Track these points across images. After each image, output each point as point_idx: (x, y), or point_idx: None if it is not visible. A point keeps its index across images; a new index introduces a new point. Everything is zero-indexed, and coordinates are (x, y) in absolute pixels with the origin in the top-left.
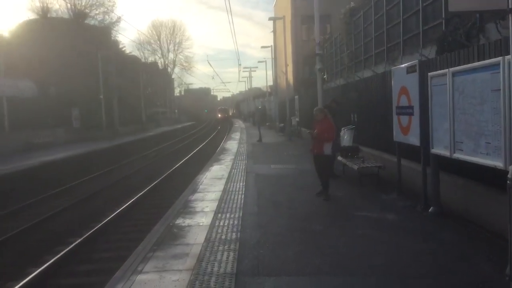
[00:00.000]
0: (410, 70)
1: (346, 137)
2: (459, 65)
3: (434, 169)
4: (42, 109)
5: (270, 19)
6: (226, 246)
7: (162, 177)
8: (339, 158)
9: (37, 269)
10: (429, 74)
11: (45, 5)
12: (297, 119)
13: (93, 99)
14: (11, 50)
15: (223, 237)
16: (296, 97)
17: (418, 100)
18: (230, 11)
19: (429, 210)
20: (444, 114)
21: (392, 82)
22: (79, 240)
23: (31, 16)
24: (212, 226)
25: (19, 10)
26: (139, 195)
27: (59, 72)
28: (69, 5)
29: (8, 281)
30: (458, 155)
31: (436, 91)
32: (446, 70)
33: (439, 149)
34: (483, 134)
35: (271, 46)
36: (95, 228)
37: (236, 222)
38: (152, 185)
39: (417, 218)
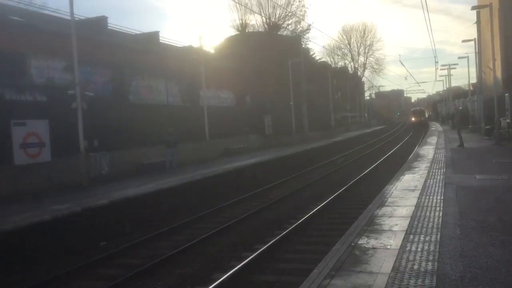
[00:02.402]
0: None
1: None
2: None
3: None
4: (239, 117)
5: (473, 8)
6: (419, 281)
7: (347, 186)
8: None
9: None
10: None
11: (243, 21)
12: (507, 120)
13: (284, 106)
14: (213, 64)
15: (416, 267)
16: (507, 94)
17: None
18: (426, 7)
19: None
20: None
21: None
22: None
23: (233, 32)
24: (402, 250)
25: (223, 28)
26: (320, 205)
27: (254, 82)
28: (264, 18)
29: None
30: None
31: None
32: None
33: None
34: None
35: (474, 39)
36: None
37: (432, 247)
38: (335, 194)
39: None
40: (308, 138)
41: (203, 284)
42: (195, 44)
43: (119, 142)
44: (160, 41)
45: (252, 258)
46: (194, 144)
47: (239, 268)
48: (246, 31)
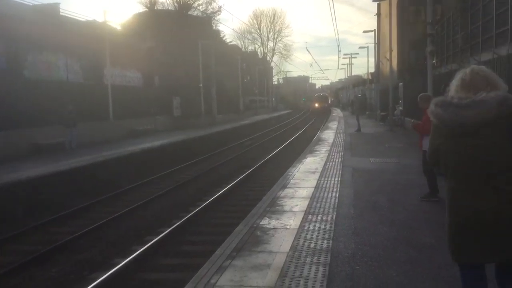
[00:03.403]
0: None
1: None
2: None
3: None
4: (146, 98)
5: (374, 0)
6: (315, 258)
7: (253, 168)
8: None
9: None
10: None
11: None
12: (400, 108)
13: (193, 88)
14: (120, 41)
15: (312, 245)
16: (401, 84)
17: None
18: None
19: None
20: None
21: None
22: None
23: (141, 9)
24: (300, 230)
25: (131, 3)
26: (227, 187)
27: (162, 62)
28: None
29: None
30: None
31: None
32: None
33: None
34: None
35: (374, 30)
36: (176, 224)
37: (328, 226)
38: (242, 177)
39: None
40: (217, 120)
41: (102, 270)
42: (100, 19)
43: (12, 121)
44: (61, 14)
45: (155, 242)
46: (97, 124)
47: (141, 252)
48: (155, 8)
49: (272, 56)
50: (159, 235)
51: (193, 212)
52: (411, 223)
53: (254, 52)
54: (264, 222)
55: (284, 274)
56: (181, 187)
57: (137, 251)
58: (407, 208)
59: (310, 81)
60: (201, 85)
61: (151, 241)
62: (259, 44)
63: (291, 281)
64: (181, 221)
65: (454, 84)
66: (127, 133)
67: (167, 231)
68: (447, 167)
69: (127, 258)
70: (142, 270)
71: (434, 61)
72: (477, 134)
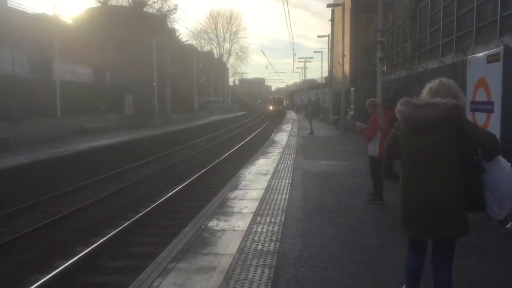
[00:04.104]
0: (492, 59)
1: None
2: None
3: None
4: (97, 95)
5: (328, 6)
6: (261, 260)
7: (206, 169)
8: None
9: None
10: None
11: None
12: (352, 113)
13: (147, 87)
14: (71, 36)
15: (259, 247)
16: (352, 89)
17: (500, 95)
18: (287, 1)
19: (507, 226)
20: None
21: (468, 73)
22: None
23: (94, 4)
24: (248, 232)
25: None
26: (178, 188)
27: (115, 59)
28: None
29: None
30: None
31: None
32: None
33: None
34: None
35: (328, 35)
36: (120, 227)
37: (276, 228)
38: (194, 178)
39: (493, 235)
40: (171, 120)
41: (43, 272)
42: (51, 12)
43: None
44: (9, 5)
45: (100, 243)
46: (44, 121)
47: (85, 253)
48: (109, 3)
49: (228, 57)
50: (105, 236)
51: (142, 213)
52: (357, 225)
53: (210, 53)
54: (213, 223)
55: (229, 277)
56: (131, 187)
57: (82, 252)
58: (354, 211)
59: (265, 83)
60: (155, 83)
61: (97, 242)
62: (215, 44)
63: (236, 284)
64: (129, 222)
65: (424, 91)
66: (76, 131)
67: (113, 232)
68: (402, 156)
69: (70, 259)
70: (85, 272)
71: (384, 68)
72: (428, 130)
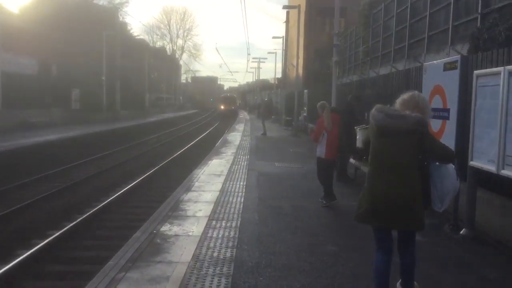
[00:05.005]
0: (449, 66)
1: (358, 138)
2: None
3: (470, 185)
4: (42, 88)
5: (284, 7)
6: (217, 269)
7: (157, 168)
8: (351, 160)
9: None
10: (475, 72)
11: None
12: (304, 114)
13: (95, 81)
14: (16, 26)
15: (215, 254)
16: (306, 91)
17: (456, 102)
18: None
19: (461, 232)
20: (492, 121)
21: (424, 79)
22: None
23: None
24: (203, 237)
25: None
26: (127, 188)
27: (63, 52)
28: None
29: None
30: (508, 172)
31: (483, 93)
32: (501, 68)
33: (481, 163)
34: None
35: (283, 37)
36: (67, 227)
37: (232, 233)
38: (144, 176)
39: (446, 241)
40: (120, 116)
41: None
42: None
43: None
44: None
45: (42, 246)
46: None
47: (25, 257)
48: None
49: (182, 54)
50: (47, 238)
51: (88, 214)
52: (314, 230)
53: (163, 49)
54: (165, 228)
55: None
56: (77, 186)
57: (21, 256)
58: (311, 214)
59: (219, 82)
60: (103, 77)
61: (38, 245)
62: (168, 40)
63: None
64: (74, 223)
65: (397, 101)
66: (18, 124)
67: (56, 234)
68: (370, 156)
69: (9, 264)
70: (25, 277)
71: (337, 71)
72: (395, 137)
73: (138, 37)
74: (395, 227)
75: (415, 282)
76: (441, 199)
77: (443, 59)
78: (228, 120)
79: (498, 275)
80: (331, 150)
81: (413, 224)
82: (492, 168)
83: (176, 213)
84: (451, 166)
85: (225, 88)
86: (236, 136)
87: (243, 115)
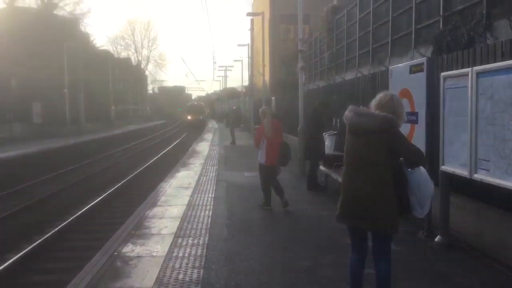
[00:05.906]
0: (415, 69)
1: (327, 144)
2: (486, 63)
3: (443, 190)
4: (1, 102)
5: (248, 14)
6: None
7: (121, 183)
8: (321, 167)
9: None
10: (442, 74)
11: None
12: None
13: (57, 94)
14: None
15: (181, 276)
16: (273, 98)
17: (424, 106)
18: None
19: (435, 240)
20: (462, 124)
21: (390, 83)
22: None
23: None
24: (168, 257)
25: None
26: (90, 205)
27: (22, 64)
28: None
29: None
30: (481, 176)
31: (452, 95)
32: (468, 69)
33: (453, 167)
34: None
35: (248, 44)
36: (26, 250)
37: (199, 251)
38: (109, 192)
39: (421, 249)
40: (85, 129)
41: None
42: None
43: None
44: None
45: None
46: None
47: None
48: (16, 5)
49: (147, 64)
50: (4, 263)
51: (49, 234)
52: (286, 244)
53: (128, 59)
54: (127, 249)
55: None
56: (37, 204)
57: None
58: (282, 226)
59: (186, 92)
60: (66, 90)
61: None
62: (132, 51)
63: None
64: (33, 245)
65: (373, 103)
66: None
67: (14, 258)
68: (344, 155)
69: None
70: None
71: (303, 77)
72: (364, 136)
73: (102, 48)
74: (363, 226)
75: None
76: (421, 204)
77: (409, 62)
78: (196, 130)
79: (473, 282)
80: (271, 157)
81: (382, 223)
82: (464, 172)
83: (139, 232)
84: (423, 170)
85: (193, 97)
86: (204, 146)
87: (212, 124)
